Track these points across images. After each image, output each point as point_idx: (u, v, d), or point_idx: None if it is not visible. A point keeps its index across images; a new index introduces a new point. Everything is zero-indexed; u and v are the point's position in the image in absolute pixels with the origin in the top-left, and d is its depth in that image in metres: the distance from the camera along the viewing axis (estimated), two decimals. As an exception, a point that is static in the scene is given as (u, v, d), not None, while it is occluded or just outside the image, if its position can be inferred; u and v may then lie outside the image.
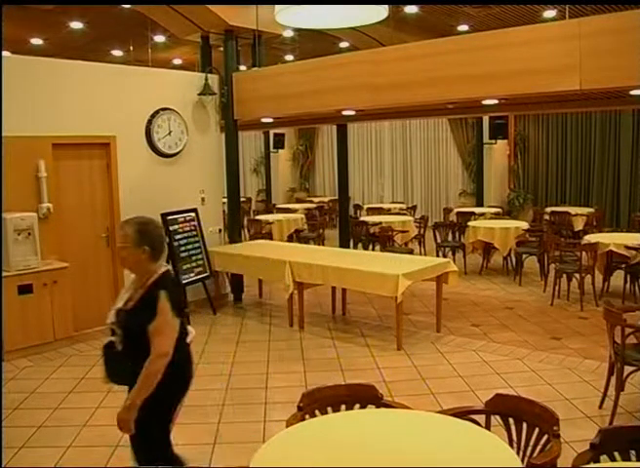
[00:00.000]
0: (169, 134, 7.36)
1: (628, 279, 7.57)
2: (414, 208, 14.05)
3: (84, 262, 6.62)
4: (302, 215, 12.41)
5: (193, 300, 7.41)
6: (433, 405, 4.53)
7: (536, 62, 5.40)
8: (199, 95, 7.67)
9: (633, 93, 6.29)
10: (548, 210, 11.85)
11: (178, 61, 14.21)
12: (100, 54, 12.29)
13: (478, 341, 6.17)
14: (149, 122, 7.18)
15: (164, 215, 7.07)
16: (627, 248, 7.29)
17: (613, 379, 4.37)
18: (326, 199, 16.22)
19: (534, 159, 13.79)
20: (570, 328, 6.56)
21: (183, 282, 7.10)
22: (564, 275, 7.63)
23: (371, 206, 13.93)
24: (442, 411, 2.81)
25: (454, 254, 9.87)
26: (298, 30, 9.92)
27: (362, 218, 11.55)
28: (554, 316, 7.04)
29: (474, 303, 7.72)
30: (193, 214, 7.52)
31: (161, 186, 7.31)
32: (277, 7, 3.62)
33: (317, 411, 2.83)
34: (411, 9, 9.75)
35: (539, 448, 2.60)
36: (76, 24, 10.84)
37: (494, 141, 13.41)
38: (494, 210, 11.87)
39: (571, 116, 12.91)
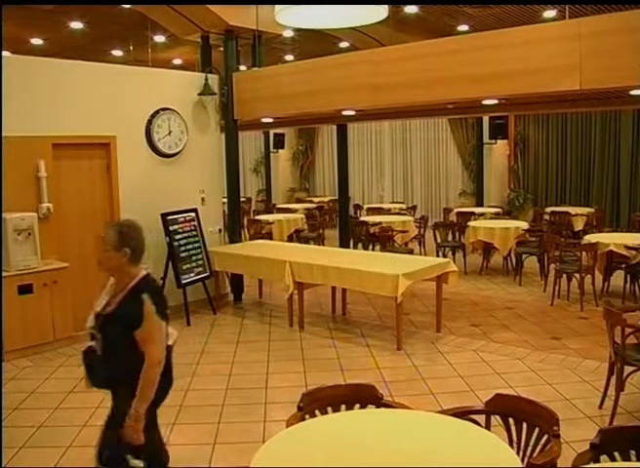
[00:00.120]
0: (169, 134, 7.36)
1: (628, 279, 7.57)
2: (414, 208, 14.04)
3: (84, 262, 6.61)
4: (302, 215, 12.40)
5: (193, 300, 7.40)
6: (433, 405, 4.53)
7: (536, 62, 5.39)
8: (199, 95, 7.67)
9: (633, 93, 6.30)
10: (548, 210, 11.85)
11: (178, 61, 14.20)
12: (99, 54, 12.28)
13: (478, 341, 6.17)
14: (149, 122, 7.18)
15: (164, 215, 7.07)
16: (627, 248, 7.29)
17: (613, 379, 4.37)
18: (326, 199, 16.21)
19: (534, 159, 13.79)
20: (570, 328, 6.56)
21: (183, 282, 7.11)
22: (564, 275, 7.63)
23: (371, 206, 13.92)
24: (442, 411, 2.81)
25: (454, 255, 9.86)
26: (298, 30, 9.91)
27: (362, 218, 11.56)
28: (554, 316, 7.04)
29: (474, 303, 7.72)
30: (193, 214, 7.51)
31: (161, 186, 7.31)
32: (277, 7, 3.63)
33: (317, 411, 2.83)
34: (411, 9, 9.74)
35: (539, 448, 2.60)
36: (76, 24, 10.82)
37: (494, 141, 13.41)
38: (494, 210, 11.86)
39: (571, 116, 12.91)
